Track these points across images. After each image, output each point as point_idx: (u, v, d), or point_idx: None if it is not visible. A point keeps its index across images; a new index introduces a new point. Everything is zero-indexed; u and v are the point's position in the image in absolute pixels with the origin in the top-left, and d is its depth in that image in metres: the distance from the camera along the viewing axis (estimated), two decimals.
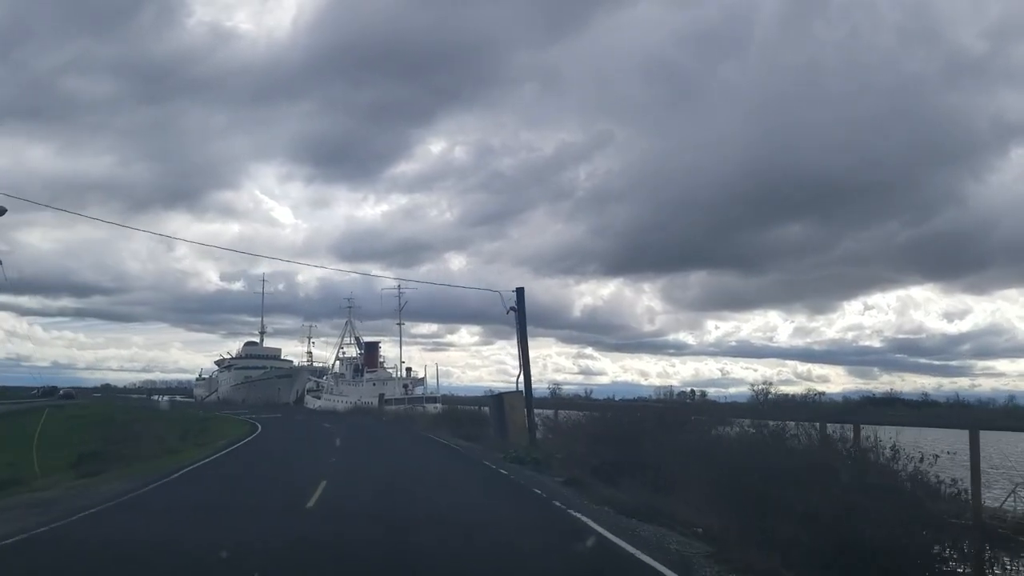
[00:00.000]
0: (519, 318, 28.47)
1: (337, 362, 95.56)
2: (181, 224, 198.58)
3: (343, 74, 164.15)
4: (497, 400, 29.57)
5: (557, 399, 60.17)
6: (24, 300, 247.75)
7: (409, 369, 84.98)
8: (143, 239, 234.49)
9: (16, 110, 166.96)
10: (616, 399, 65.84)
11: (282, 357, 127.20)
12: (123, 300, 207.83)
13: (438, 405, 71.83)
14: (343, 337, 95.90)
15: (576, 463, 18.39)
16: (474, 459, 23.50)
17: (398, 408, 70.34)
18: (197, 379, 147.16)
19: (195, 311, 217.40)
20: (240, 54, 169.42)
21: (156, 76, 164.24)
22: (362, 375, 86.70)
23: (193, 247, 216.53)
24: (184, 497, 14.52)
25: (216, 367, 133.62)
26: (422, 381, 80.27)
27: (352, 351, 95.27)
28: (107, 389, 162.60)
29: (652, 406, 25.66)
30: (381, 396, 72.81)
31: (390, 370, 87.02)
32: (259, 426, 42.09)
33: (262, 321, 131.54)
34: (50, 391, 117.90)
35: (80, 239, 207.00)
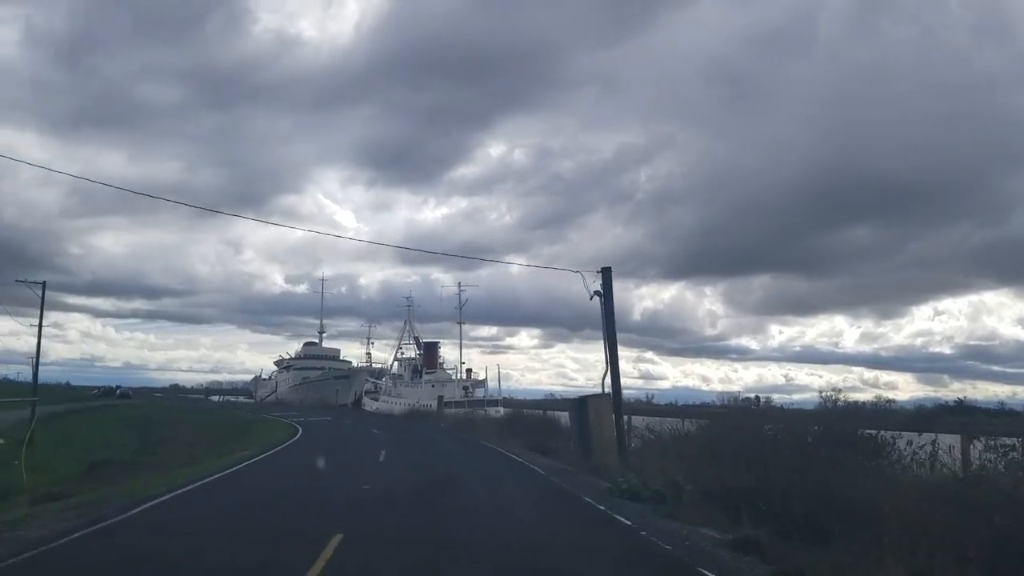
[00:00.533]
0: (605, 304, 22.66)
1: (395, 363, 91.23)
2: (247, 228, 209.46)
3: (403, 78, 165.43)
4: (579, 404, 23.66)
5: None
6: (98, 302, 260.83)
7: (469, 370, 79.84)
8: (211, 242, 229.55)
9: (90, 117, 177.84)
10: (679, 404, 64.35)
11: (341, 358, 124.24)
12: (192, 302, 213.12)
13: (500, 409, 66.47)
14: (401, 337, 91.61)
15: (715, 499, 12.43)
16: (568, 491, 16.81)
17: (458, 411, 65.24)
18: (258, 379, 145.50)
19: (260, 313, 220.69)
20: (304, 60, 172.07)
21: (222, 82, 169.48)
22: (421, 376, 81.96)
23: (258, 250, 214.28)
24: (113, 553, 9.24)
25: (276, 368, 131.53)
26: (483, 383, 74.95)
27: (411, 352, 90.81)
28: (174, 389, 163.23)
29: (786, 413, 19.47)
30: (440, 398, 67.85)
31: (450, 371, 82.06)
32: (299, 431, 37.30)
33: (321, 322, 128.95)
34: (109, 391, 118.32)
35: (151, 242, 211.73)
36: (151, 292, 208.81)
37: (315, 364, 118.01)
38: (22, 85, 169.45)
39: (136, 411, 66.62)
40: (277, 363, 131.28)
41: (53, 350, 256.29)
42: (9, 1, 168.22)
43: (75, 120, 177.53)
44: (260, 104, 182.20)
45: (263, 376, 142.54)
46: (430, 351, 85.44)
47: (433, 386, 78.71)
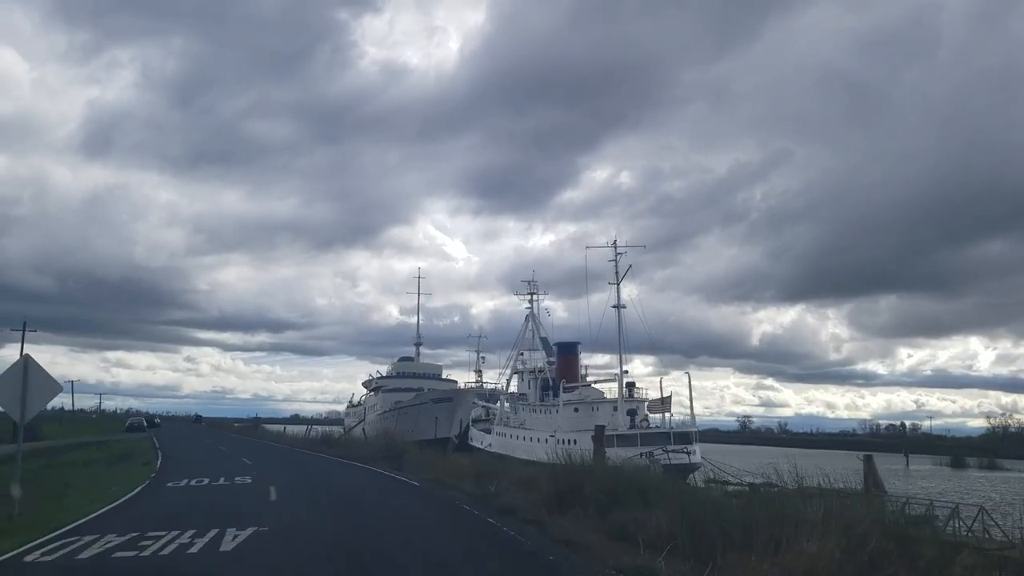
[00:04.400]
0: None
1: (515, 377, 62.29)
2: (362, 260, 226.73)
3: (507, 103, 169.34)
4: None
5: (748, 433, 59.20)
6: (226, 336, 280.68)
7: (631, 385, 49.94)
8: (328, 275, 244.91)
9: (207, 154, 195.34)
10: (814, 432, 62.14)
11: (444, 377, 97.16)
12: (313, 335, 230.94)
13: (696, 453, 37.40)
14: (520, 340, 62.80)
15: None
16: None
17: (628, 454, 35.96)
18: (350, 405, 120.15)
19: (377, 344, 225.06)
20: (410, 90, 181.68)
21: (331, 116, 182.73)
22: (556, 394, 52.91)
23: (373, 282, 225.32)
24: None
25: (364, 390, 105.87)
26: (665, 404, 44.97)
27: (536, 361, 61.86)
28: (296, 419, 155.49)
29: None
30: (600, 429, 38.26)
31: (601, 386, 52.54)
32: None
33: (418, 328, 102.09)
34: (149, 421, 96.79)
35: (271, 277, 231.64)
36: (274, 325, 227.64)
37: (410, 384, 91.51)
38: (141, 127, 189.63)
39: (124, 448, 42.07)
40: (366, 384, 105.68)
41: (187, 383, 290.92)
42: (123, 44, 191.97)
43: (193, 159, 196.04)
44: (369, 136, 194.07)
45: (354, 402, 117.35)
46: (567, 354, 56.27)
47: (577, 410, 49.54)
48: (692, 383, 68.27)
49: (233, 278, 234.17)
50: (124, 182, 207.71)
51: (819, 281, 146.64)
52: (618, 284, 48.60)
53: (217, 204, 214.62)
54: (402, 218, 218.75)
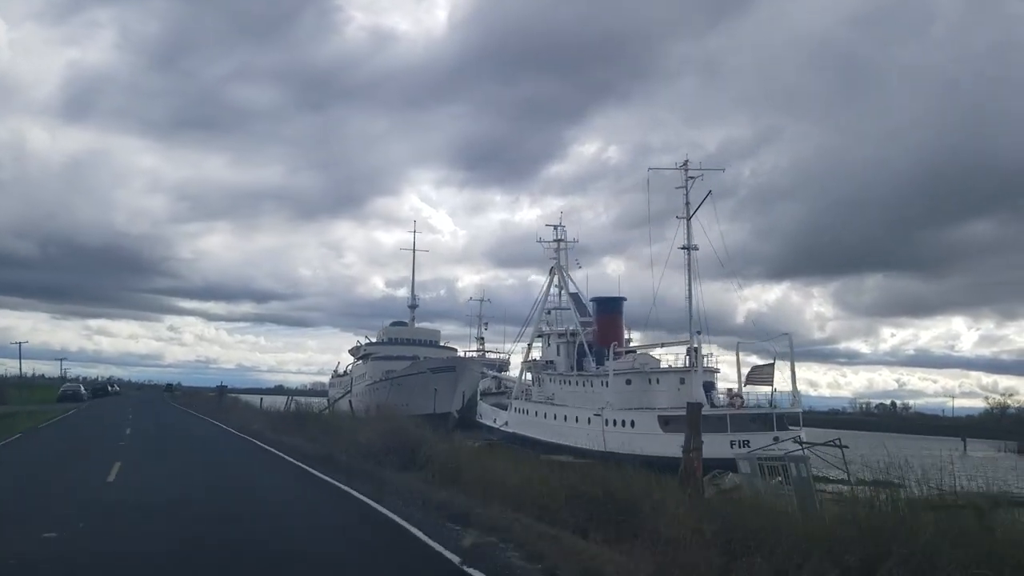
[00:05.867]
0: None
1: (539, 343, 50.60)
2: (347, 231, 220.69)
3: (494, 72, 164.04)
4: None
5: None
6: (210, 306, 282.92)
7: (694, 350, 38.34)
8: (313, 245, 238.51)
9: (190, 120, 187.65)
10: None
11: (442, 344, 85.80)
12: (298, 306, 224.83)
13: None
14: (545, 296, 51.09)
15: None
16: None
17: (716, 444, 25.17)
18: (334, 376, 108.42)
19: (363, 316, 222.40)
20: (398, 57, 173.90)
21: (317, 83, 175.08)
22: (600, 362, 41.40)
23: (359, 253, 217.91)
24: None
25: (352, 358, 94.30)
26: (765, 374, 33.55)
27: (564, 323, 50.28)
28: (280, 390, 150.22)
29: None
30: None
31: (654, 351, 40.99)
32: None
33: (412, 288, 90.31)
34: (101, 389, 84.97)
35: (255, 247, 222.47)
36: (259, 295, 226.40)
37: (403, 352, 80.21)
38: (121, 90, 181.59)
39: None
40: (353, 352, 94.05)
41: (170, 352, 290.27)
42: (102, 3, 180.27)
43: (175, 124, 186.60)
44: (356, 104, 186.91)
45: (340, 371, 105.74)
46: (609, 313, 44.70)
47: (630, 382, 38.10)
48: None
49: (217, 246, 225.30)
50: (105, 147, 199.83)
51: (805, 259, 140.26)
52: (688, 218, 37.04)
53: (200, 171, 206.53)
54: (388, 188, 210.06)
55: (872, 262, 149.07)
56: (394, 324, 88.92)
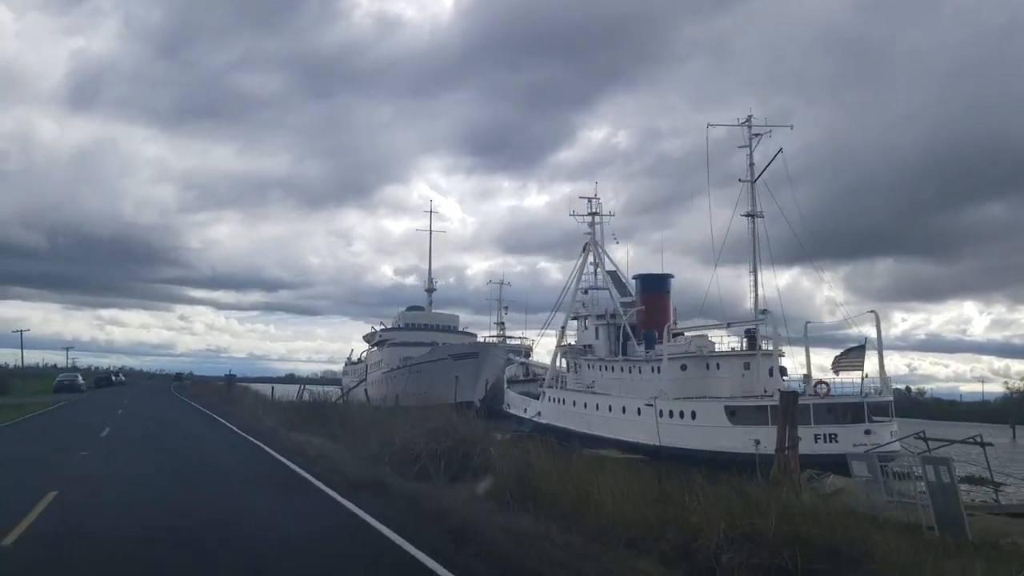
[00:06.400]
0: None
1: (574, 324, 46.29)
2: (355, 219, 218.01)
3: (501, 58, 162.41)
4: None
5: None
6: (220, 295, 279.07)
7: (751, 333, 34.04)
8: (321, 234, 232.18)
9: (195, 108, 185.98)
10: None
11: (461, 330, 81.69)
12: (307, 294, 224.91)
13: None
14: (579, 272, 46.74)
15: None
16: None
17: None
18: (348, 364, 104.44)
19: (372, 304, 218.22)
20: (404, 43, 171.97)
21: (322, 70, 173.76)
22: (650, 345, 37.07)
23: (368, 242, 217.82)
24: None
25: (367, 345, 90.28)
26: (855, 359, 29.10)
27: (600, 304, 45.96)
28: (291, 379, 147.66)
29: None
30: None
31: (712, 334, 36.59)
32: None
33: (429, 271, 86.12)
34: (104, 379, 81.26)
35: (264, 236, 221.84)
36: (268, 284, 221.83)
37: (421, 338, 76.13)
38: (126, 79, 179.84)
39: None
40: (367, 338, 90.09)
41: (181, 342, 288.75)
42: None
43: (180, 113, 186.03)
44: (362, 91, 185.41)
45: (353, 359, 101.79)
46: (655, 291, 40.38)
47: (686, 367, 33.85)
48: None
49: (225, 236, 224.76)
50: (111, 136, 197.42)
51: (816, 244, 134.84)
52: (752, 181, 32.63)
53: (207, 160, 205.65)
54: (396, 176, 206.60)
55: (883, 246, 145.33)
56: (410, 309, 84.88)
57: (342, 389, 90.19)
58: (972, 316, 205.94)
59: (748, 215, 32.56)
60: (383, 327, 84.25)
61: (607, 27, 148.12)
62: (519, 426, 47.59)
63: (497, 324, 79.74)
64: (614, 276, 44.82)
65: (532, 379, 55.54)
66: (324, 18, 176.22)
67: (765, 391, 31.45)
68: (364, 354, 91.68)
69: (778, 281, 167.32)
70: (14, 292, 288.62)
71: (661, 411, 32.56)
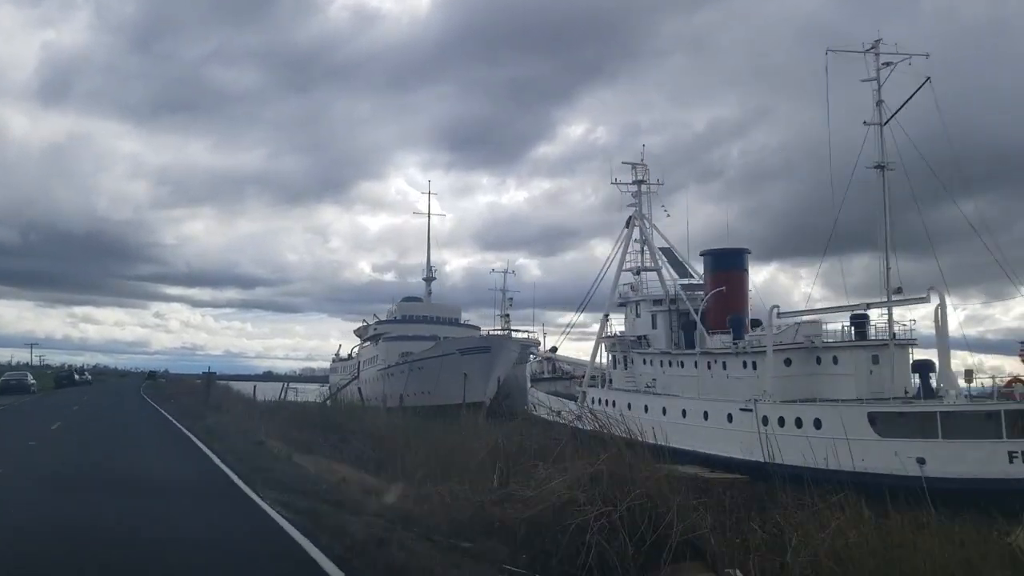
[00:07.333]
0: None
1: (623, 307, 38.96)
2: (332, 215, 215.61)
3: (480, 52, 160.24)
4: None
5: None
6: (195, 292, 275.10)
7: (863, 320, 27.05)
8: (298, 230, 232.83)
9: (169, 103, 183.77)
10: None
11: (464, 322, 74.28)
12: (284, 291, 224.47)
13: None
14: (622, 246, 39.43)
15: None
16: None
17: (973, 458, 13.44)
18: (336, 360, 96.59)
19: (350, 301, 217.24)
20: (382, 36, 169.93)
21: (299, 64, 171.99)
22: (738, 334, 29.86)
23: (345, 238, 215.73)
24: None
25: (358, 340, 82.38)
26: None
27: (648, 283, 38.71)
28: (270, 376, 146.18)
29: None
30: None
31: (818, 319, 29.34)
32: None
33: (428, 258, 78.38)
34: (66, 377, 73.41)
35: (240, 232, 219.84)
36: (244, 281, 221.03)
37: (420, 331, 68.76)
38: (99, 72, 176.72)
39: None
40: (359, 332, 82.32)
41: (156, 339, 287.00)
42: None
43: (154, 107, 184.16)
44: (339, 85, 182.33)
45: (342, 355, 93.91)
46: (730, 269, 33.25)
47: (790, 362, 26.80)
48: None
49: (200, 232, 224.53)
50: (84, 131, 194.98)
51: (793, 240, 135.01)
52: (883, 124, 25.57)
53: (182, 155, 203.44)
54: (373, 172, 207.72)
55: (860, 242, 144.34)
56: (407, 300, 77.19)
57: (330, 388, 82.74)
58: (947, 312, 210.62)
59: (877, 166, 25.50)
60: (377, 320, 76.60)
61: (587, 21, 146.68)
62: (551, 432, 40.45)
63: (501, 316, 72.24)
64: (668, 254, 37.66)
65: (559, 376, 48.37)
66: (300, 11, 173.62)
67: (906, 392, 24.49)
68: (355, 350, 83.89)
69: (755, 278, 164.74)
70: None
71: (764, 417, 25.44)
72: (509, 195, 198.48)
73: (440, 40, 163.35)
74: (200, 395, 40.60)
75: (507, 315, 71.59)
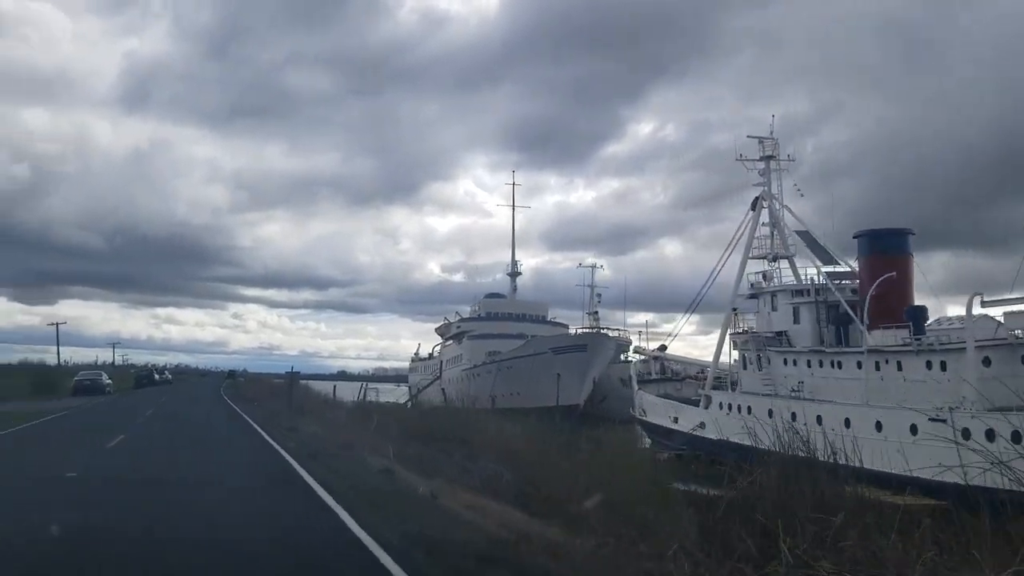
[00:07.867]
0: None
1: (757, 303, 34.14)
2: (402, 217, 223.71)
3: (547, 51, 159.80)
4: None
5: None
6: (271, 293, 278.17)
7: None
8: (369, 232, 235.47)
9: (244, 108, 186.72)
10: None
11: (551, 320, 70.36)
12: (356, 292, 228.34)
13: None
14: (748, 229, 34.63)
15: None
16: None
17: None
18: (416, 360, 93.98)
19: (419, 303, 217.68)
20: (450, 39, 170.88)
21: (370, 67, 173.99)
22: (918, 328, 24.90)
23: (414, 239, 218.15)
24: None
25: (440, 338, 79.38)
26: None
27: (785, 275, 33.86)
28: (343, 376, 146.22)
29: None
30: None
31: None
32: None
33: (513, 252, 74.71)
34: (147, 377, 72.52)
35: (313, 234, 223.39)
36: (318, 282, 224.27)
37: (506, 329, 65.28)
38: (177, 79, 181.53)
39: None
40: (440, 331, 79.35)
41: (235, 339, 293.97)
42: None
43: (230, 112, 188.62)
44: (408, 88, 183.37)
45: (421, 354, 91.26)
46: (891, 253, 28.21)
47: (988, 361, 21.73)
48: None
49: (276, 234, 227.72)
50: (164, 137, 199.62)
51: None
52: None
53: (257, 159, 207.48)
54: (441, 174, 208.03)
55: (939, 239, 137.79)
56: (490, 296, 73.79)
57: (410, 388, 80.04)
58: None
59: None
60: (459, 317, 73.42)
61: (654, 18, 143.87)
62: (665, 440, 36.04)
63: (590, 314, 67.78)
64: (807, 237, 32.70)
65: (669, 378, 43.84)
66: (370, 14, 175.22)
67: None
68: (436, 349, 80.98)
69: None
70: (74, 292, 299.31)
71: (967, 430, 20.45)
72: (577, 194, 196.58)
73: (507, 40, 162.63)
74: (283, 397, 37.74)
75: (596, 312, 67.32)
